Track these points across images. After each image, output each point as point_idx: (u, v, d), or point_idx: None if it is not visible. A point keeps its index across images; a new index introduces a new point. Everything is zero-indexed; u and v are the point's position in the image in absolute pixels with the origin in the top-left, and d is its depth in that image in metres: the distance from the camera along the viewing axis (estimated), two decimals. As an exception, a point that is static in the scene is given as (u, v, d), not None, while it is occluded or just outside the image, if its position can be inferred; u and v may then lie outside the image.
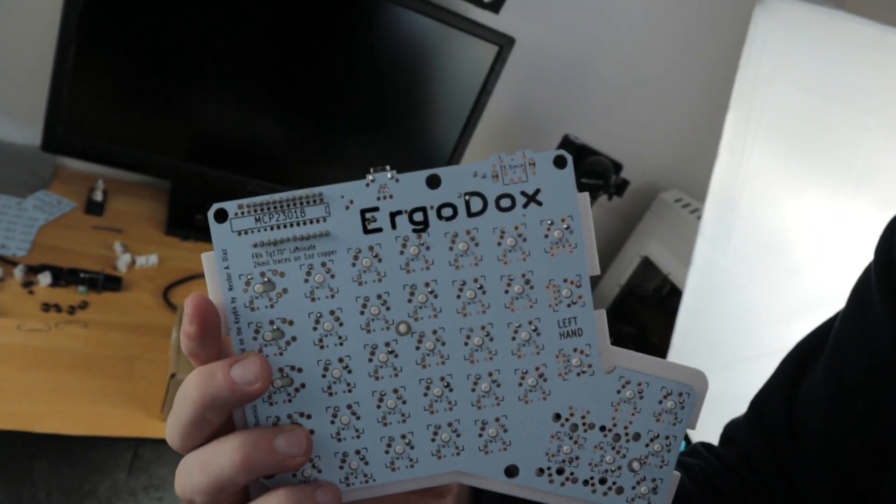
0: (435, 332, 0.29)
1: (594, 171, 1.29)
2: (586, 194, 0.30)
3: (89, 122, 1.08)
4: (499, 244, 0.29)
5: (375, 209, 0.29)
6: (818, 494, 0.44)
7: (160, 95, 1.10)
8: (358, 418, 0.29)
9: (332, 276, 0.29)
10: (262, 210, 0.29)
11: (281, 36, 1.11)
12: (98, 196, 1.13)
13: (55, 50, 0.99)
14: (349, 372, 0.29)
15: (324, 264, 0.29)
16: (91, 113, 1.07)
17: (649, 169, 1.62)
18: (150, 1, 1.01)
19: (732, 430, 0.50)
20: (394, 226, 0.29)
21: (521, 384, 0.30)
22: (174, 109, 1.12)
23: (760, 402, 0.49)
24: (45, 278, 0.93)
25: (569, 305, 0.30)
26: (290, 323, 0.29)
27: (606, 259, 1.72)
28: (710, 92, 1.55)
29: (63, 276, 0.95)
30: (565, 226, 0.29)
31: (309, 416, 0.29)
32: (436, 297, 0.29)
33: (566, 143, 1.36)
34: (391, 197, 0.29)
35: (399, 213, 0.29)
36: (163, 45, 1.05)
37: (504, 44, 1.23)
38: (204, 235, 1.17)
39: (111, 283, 0.97)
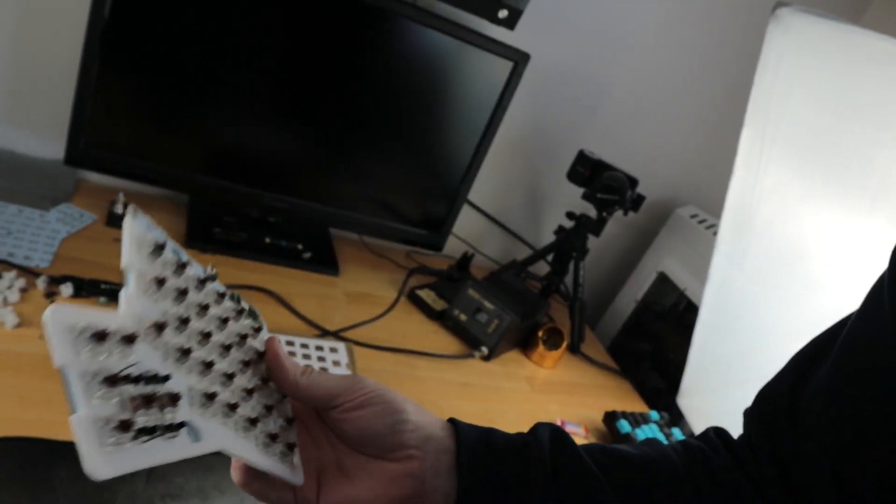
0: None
1: (610, 187, 1.30)
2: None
3: (111, 137, 1.10)
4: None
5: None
6: (810, 484, 0.46)
7: (180, 111, 1.12)
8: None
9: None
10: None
11: (298, 52, 1.13)
12: (119, 209, 1.15)
13: (79, 67, 1.02)
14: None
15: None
16: (113, 128, 1.10)
17: (665, 184, 1.62)
18: (170, 20, 1.03)
19: (743, 417, 0.54)
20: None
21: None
22: (193, 125, 1.14)
23: (766, 392, 0.52)
24: (66, 289, 0.94)
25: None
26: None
27: (622, 275, 1.71)
28: (726, 107, 1.55)
29: (84, 288, 0.96)
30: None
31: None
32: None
33: (582, 158, 1.36)
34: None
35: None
36: (183, 62, 1.07)
37: (519, 60, 1.25)
38: (222, 249, 1.19)
39: (131, 294, 0.99)
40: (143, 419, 0.33)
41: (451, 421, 0.47)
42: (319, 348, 0.98)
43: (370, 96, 1.21)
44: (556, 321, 1.37)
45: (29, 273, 0.95)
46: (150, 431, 0.33)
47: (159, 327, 0.36)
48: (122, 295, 0.36)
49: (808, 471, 0.46)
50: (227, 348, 0.41)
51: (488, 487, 0.44)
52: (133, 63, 1.06)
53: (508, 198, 1.58)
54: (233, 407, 0.40)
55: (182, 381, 0.37)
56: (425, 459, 0.43)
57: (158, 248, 0.39)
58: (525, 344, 1.31)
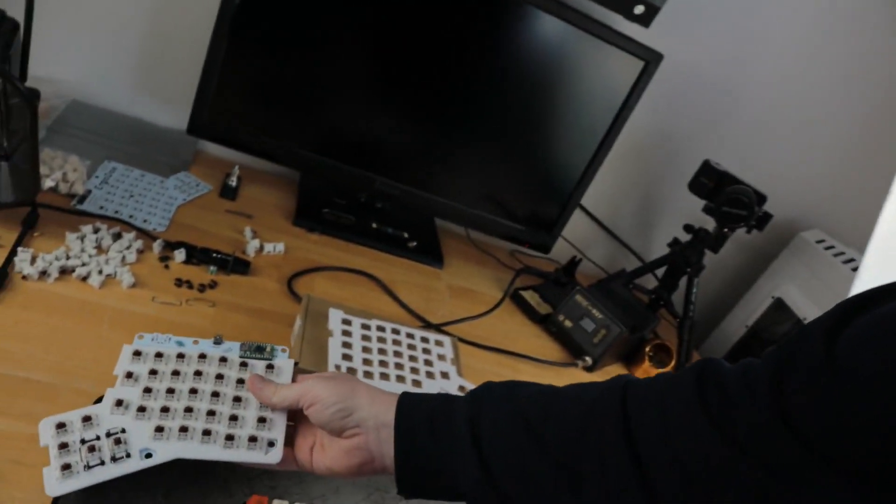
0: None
1: (738, 201, 1.20)
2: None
3: (232, 112, 1.11)
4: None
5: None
6: (860, 431, 0.41)
7: (300, 93, 1.11)
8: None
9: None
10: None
11: (420, 39, 1.10)
12: (233, 181, 1.15)
13: (208, 46, 1.04)
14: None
15: None
16: (234, 103, 1.10)
17: (791, 204, 1.51)
18: (296, 6, 1.03)
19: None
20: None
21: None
22: (312, 106, 1.13)
23: (795, 336, 0.47)
24: (179, 255, 0.95)
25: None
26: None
27: (733, 296, 1.61)
28: (873, 126, 1.42)
29: (196, 255, 0.96)
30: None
31: None
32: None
33: (707, 168, 1.28)
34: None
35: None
36: (306, 46, 1.07)
37: (651, 59, 1.18)
38: (329, 230, 1.17)
39: (240, 266, 0.98)
40: (89, 458, 0.55)
41: (402, 395, 0.60)
42: (425, 340, 0.94)
43: (490, 87, 1.16)
44: (661, 338, 1.29)
45: (147, 236, 0.96)
46: (94, 465, 0.55)
47: (118, 403, 0.59)
48: (108, 391, 0.61)
49: (867, 422, 0.41)
50: (193, 391, 0.62)
51: (421, 444, 0.56)
52: (258, 45, 1.06)
53: (620, 204, 1.50)
54: (184, 429, 0.59)
55: (137, 427, 0.58)
56: (368, 434, 0.58)
57: (136, 354, 0.64)
58: (629, 358, 1.23)
